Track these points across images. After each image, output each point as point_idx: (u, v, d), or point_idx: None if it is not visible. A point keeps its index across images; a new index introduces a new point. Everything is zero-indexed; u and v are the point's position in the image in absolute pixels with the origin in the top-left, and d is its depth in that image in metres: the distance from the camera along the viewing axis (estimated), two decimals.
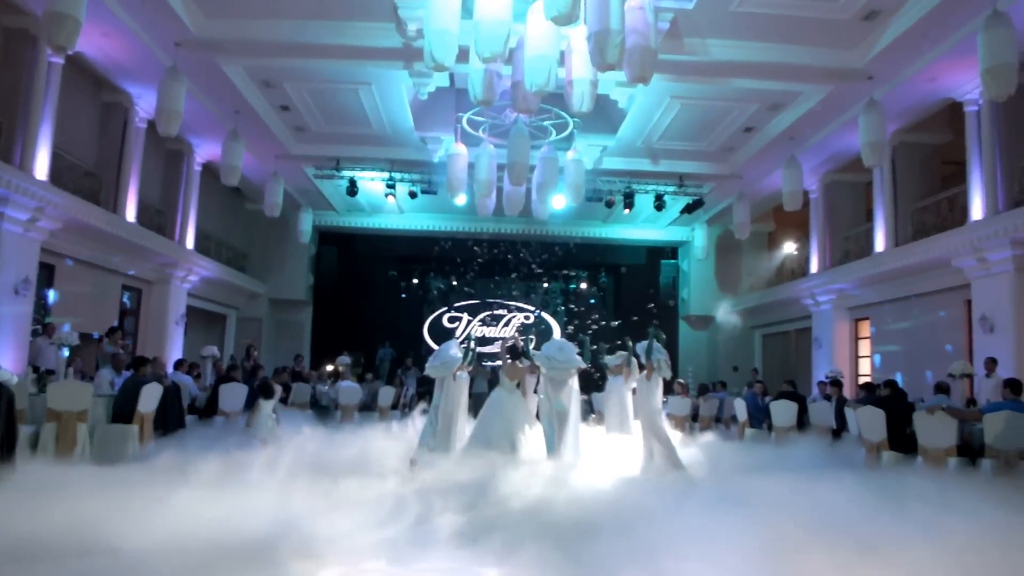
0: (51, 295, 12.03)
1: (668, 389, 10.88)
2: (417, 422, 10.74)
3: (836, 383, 11.01)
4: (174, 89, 10.32)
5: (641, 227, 20.92)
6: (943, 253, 12.02)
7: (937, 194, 13.45)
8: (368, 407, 14.58)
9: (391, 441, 9.47)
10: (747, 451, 8.84)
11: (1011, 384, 7.36)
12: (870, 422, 8.09)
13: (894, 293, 14.23)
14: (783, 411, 10.61)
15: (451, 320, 21.89)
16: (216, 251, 17.77)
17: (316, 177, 16.70)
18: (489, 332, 21.65)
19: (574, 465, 7.63)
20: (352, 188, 16.10)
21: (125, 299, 14.48)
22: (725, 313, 20.27)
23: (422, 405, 16.13)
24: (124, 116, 13.21)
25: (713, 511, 4.93)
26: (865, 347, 15.80)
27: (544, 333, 20.73)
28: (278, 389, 9.42)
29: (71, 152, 12.12)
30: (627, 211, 17.01)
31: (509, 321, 22.03)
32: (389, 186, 16.13)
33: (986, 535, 3.57)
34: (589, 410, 12.61)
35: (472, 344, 9.11)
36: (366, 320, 20.98)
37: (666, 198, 16.61)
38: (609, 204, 16.80)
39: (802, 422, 10.48)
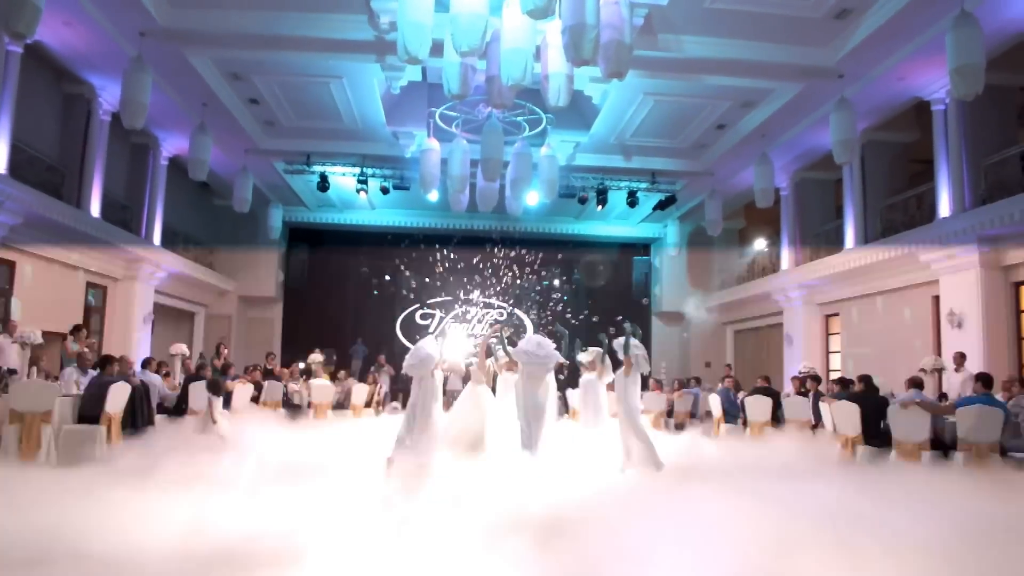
0: (12, 292, 11.67)
1: (643, 384, 10.88)
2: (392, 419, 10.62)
3: (816, 378, 11.12)
4: (139, 80, 10.04)
5: (614, 224, 20.99)
6: (911, 250, 12.22)
7: (905, 192, 13.66)
8: (341, 405, 14.41)
9: (366, 439, 9.33)
10: (728, 447, 8.84)
11: (982, 378, 7.48)
12: (845, 417, 8.18)
13: (864, 289, 14.43)
14: (758, 406, 10.69)
15: (424, 317, 21.73)
16: (184, 247, 17.42)
17: (286, 172, 16.47)
18: (462, 329, 21.53)
19: (550, 462, 7.60)
20: (323, 183, 15.90)
21: (90, 296, 14.11)
22: (693, 308, 20.42)
23: (393, 404, 16.07)
24: (87, 108, 12.86)
25: (692, 508, 4.92)
26: (836, 343, 16.01)
27: (519, 330, 20.70)
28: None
29: (32, 145, 11.76)
30: (600, 208, 17.03)
31: (482, 318, 21.94)
32: (361, 181, 15.94)
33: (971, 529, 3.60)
34: (564, 407, 12.59)
35: (446, 340, 9.00)
36: (338, 317, 20.77)
37: (639, 195, 16.66)
38: (582, 201, 16.81)
39: (776, 417, 10.57)
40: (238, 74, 12.26)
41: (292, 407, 13.25)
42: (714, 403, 12.23)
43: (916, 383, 8.38)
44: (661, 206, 17.50)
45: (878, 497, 4.29)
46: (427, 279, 21.67)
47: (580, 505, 5.74)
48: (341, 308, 21.09)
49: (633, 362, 7.96)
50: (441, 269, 21.03)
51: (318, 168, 15.84)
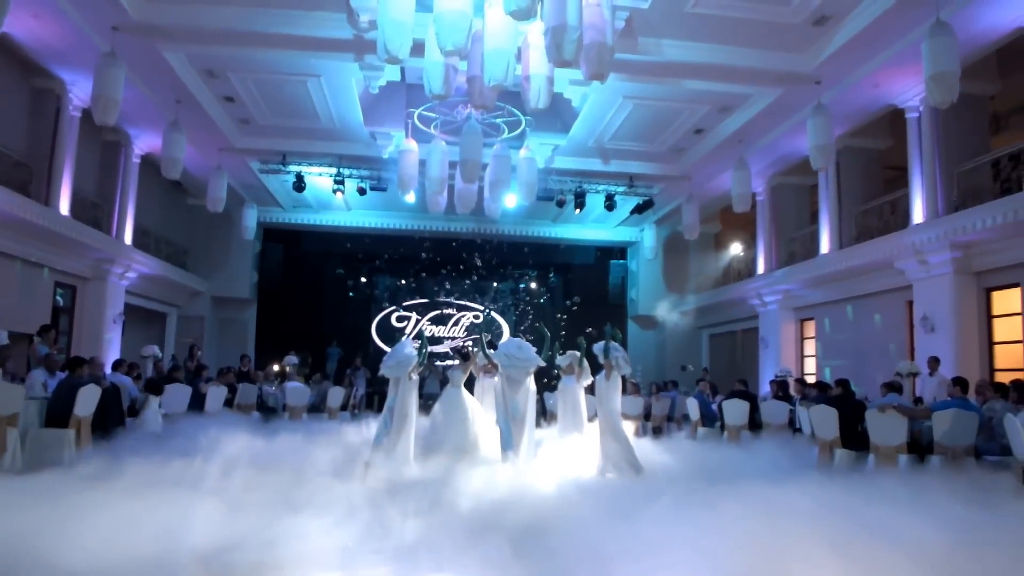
0: None
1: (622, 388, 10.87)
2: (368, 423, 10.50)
3: (802, 382, 11.21)
4: (111, 76, 9.81)
5: (591, 227, 21.02)
6: (885, 255, 12.36)
7: (880, 198, 13.84)
8: (317, 408, 14.24)
9: (342, 443, 9.21)
10: (711, 451, 8.83)
11: (959, 382, 7.57)
12: (823, 421, 8.23)
13: (838, 294, 14.58)
14: (735, 410, 10.73)
15: (400, 319, 21.60)
16: (156, 247, 17.11)
17: (261, 172, 16.25)
18: (439, 331, 21.45)
19: (529, 466, 7.57)
20: (299, 183, 15.70)
21: (58, 296, 13.78)
22: (664, 311, 20.53)
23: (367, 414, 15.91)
24: (57, 103, 12.57)
25: (673, 513, 4.89)
26: (810, 347, 16.16)
27: (496, 334, 20.67)
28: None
29: None
30: (578, 211, 17.03)
31: (458, 320, 21.86)
32: (337, 182, 15.78)
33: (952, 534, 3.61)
34: (542, 410, 12.55)
35: (425, 343, 8.92)
36: (312, 319, 20.56)
37: (616, 198, 16.69)
38: (560, 204, 16.80)
39: (753, 421, 10.62)
40: (213, 71, 12.06)
41: (267, 410, 13.06)
42: (691, 406, 12.27)
43: (895, 387, 8.47)
44: (638, 210, 17.55)
45: (864, 499, 4.30)
46: (403, 281, 21.54)
47: (559, 507, 5.71)
48: (316, 310, 20.89)
49: (613, 365, 7.95)
50: (417, 271, 20.90)
51: (294, 168, 15.64)
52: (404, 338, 8.99)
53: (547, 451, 8.46)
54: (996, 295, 11.26)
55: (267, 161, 15.73)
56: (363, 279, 21.56)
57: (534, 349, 8.25)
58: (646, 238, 21.05)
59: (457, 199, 13.69)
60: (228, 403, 11.59)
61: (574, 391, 9.32)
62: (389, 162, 15.10)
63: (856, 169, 14.48)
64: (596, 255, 22.18)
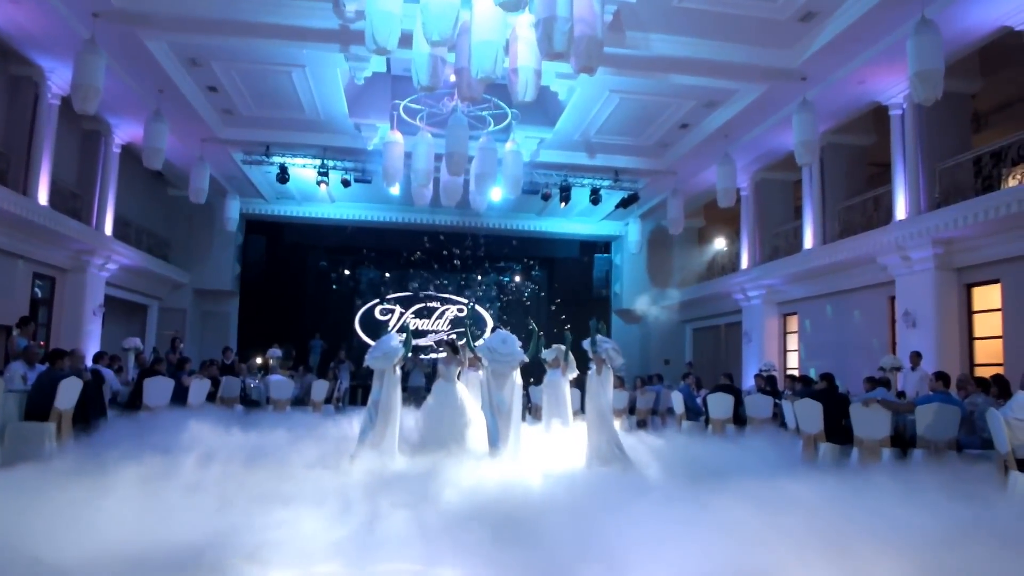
0: None
1: None
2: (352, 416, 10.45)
3: (792, 378, 11.30)
4: (92, 63, 9.63)
5: (576, 221, 21.03)
6: (868, 251, 12.47)
7: (863, 194, 13.95)
8: (301, 401, 14.15)
9: (328, 436, 9.16)
10: (698, 445, 8.86)
11: (942, 377, 7.66)
12: (807, 415, 8.30)
13: (821, 289, 14.70)
14: (720, 404, 10.79)
15: (383, 312, 21.51)
16: (136, 238, 16.89)
17: (244, 163, 16.09)
18: (423, 325, 21.39)
19: (516, 459, 7.56)
20: (283, 175, 15.56)
21: (37, 288, 13.55)
22: (644, 304, 20.63)
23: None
24: (35, 91, 12.33)
25: (662, 507, 4.90)
26: (793, 341, 16.29)
27: (479, 326, 20.63)
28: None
29: None
30: (563, 204, 17.02)
31: (442, 314, 21.81)
32: (321, 174, 15.65)
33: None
34: (527, 404, 12.56)
35: (410, 336, 8.88)
36: (295, 312, 20.42)
37: (601, 192, 16.70)
38: (546, 197, 16.79)
39: (737, 415, 10.68)
40: (196, 60, 11.90)
41: (250, 403, 12.96)
42: (676, 400, 12.32)
43: (882, 382, 8.55)
44: (623, 204, 17.58)
45: (852, 492, 4.34)
46: (387, 274, 21.45)
47: (545, 500, 5.71)
48: (299, 303, 20.75)
49: (605, 359, 7.90)
50: (401, 264, 20.81)
51: (277, 159, 15.50)
52: (389, 331, 8.97)
53: (532, 444, 8.47)
54: (976, 291, 11.39)
55: (250, 152, 15.58)
56: (347, 272, 21.45)
57: (519, 343, 8.24)
58: (631, 232, 21.10)
59: (443, 192, 13.62)
60: (211, 396, 11.48)
61: (559, 385, 9.32)
62: (374, 154, 15.00)
63: (840, 165, 14.58)
64: (581, 249, 22.22)
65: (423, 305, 21.68)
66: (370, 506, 5.03)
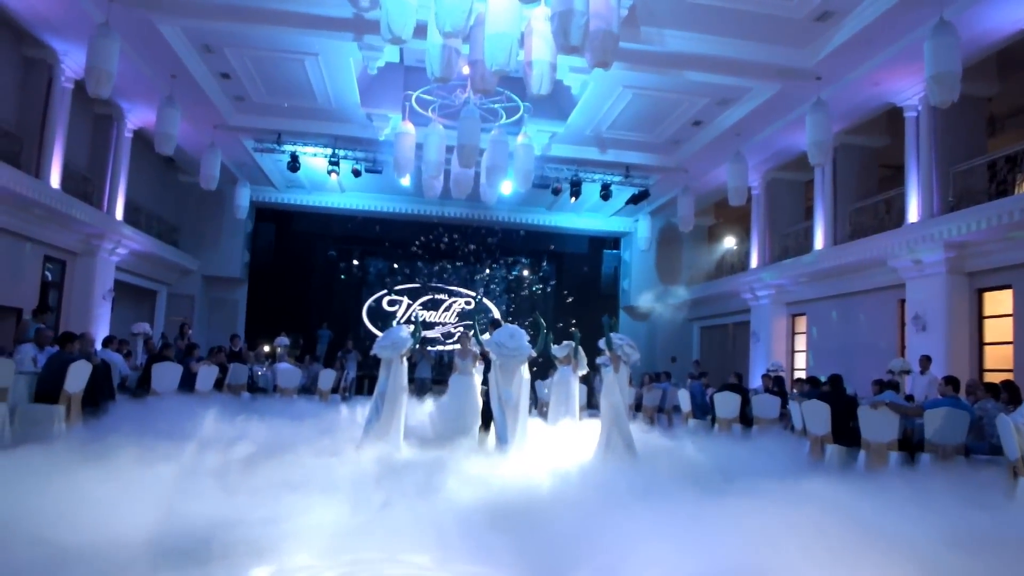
0: None
1: None
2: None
3: (803, 381, 11.29)
4: (106, 48, 9.63)
5: (585, 216, 20.99)
6: (879, 253, 12.40)
7: (875, 196, 13.86)
8: (308, 390, 14.20)
9: (334, 424, 9.19)
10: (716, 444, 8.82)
11: (951, 381, 7.61)
12: (815, 416, 8.27)
13: (831, 290, 14.63)
14: (727, 403, 10.76)
15: (391, 303, 21.53)
16: (147, 223, 16.93)
17: (255, 150, 16.10)
18: (430, 316, 21.41)
19: (522, 454, 7.55)
20: (294, 163, 15.57)
21: (47, 271, 13.61)
22: (648, 301, 20.59)
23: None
24: (48, 74, 12.35)
25: (668, 504, 4.90)
26: (801, 342, 16.23)
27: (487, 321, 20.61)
28: None
29: None
30: (573, 199, 16.98)
31: (450, 306, 21.82)
32: (332, 163, 15.65)
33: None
34: (533, 399, 12.56)
35: (419, 327, 8.90)
36: (303, 301, 20.46)
37: (612, 188, 16.65)
38: (556, 192, 16.76)
39: (744, 415, 10.65)
40: (210, 46, 11.90)
41: (257, 391, 13.00)
42: (683, 398, 12.29)
43: (891, 385, 8.51)
44: (634, 200, 17.53)
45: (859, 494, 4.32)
46: (395, 265, 21.47)
47: (550, 495, 5.71)
48: (307, 291, 20.79)
49: (621, 357, 7.83)
50: (410, 255, 20.82)
51: (289, 147, 15.51)
52: (397, 322, 9.01)
53: (539, 438, 8.45)
54: (988, 296, 11.33)
55: (261, 140, 15.59)
56: (355, 262, 21.47)
57: (527, 337, 8.22)
58: (640, 229, 21.05)
59: (453, 184, 13.62)
60: (218, 383, 11.52)
61: (569, 381, 9.33)
62: (385, 144, 14.99)
63: (852, 166, 14.50)
64: (590, 244, 22.18)
65: (431, 297, 21.69)
66: (374, 496, 5.03)
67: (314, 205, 20.22)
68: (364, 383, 16.79)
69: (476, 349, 8.85)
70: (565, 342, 9.55)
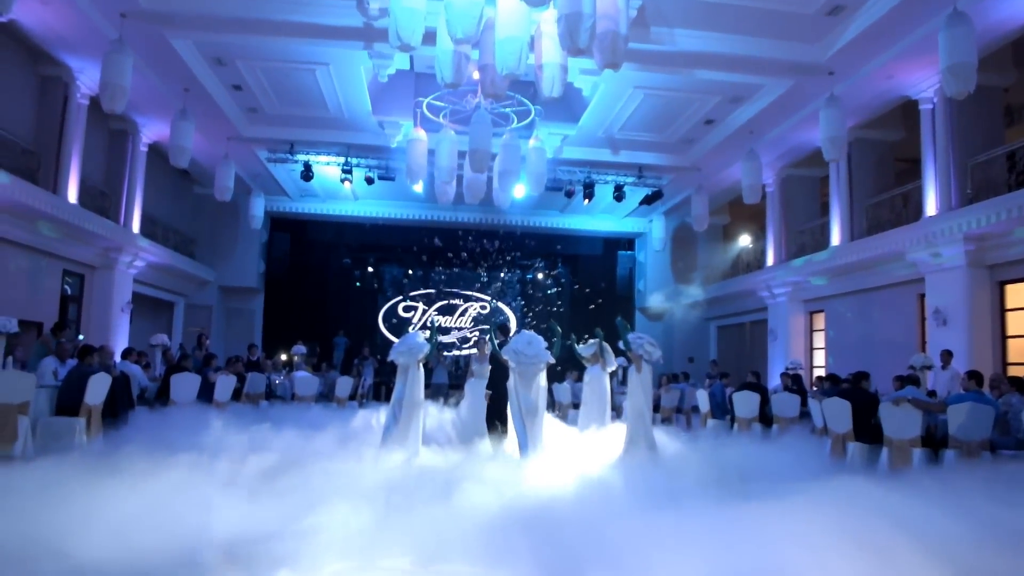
0: None
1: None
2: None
3: (823, 378, 11.22)
4: (120, 63, 9.75)
5: (599, 218, 20.92)
6: (897, 248, 12.26)
7: (891, 190, 13.71)
8: (325, 397, 14.25)
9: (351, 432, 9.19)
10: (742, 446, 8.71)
11: (974, 376, 7.49)
12: (835, 414, 8.17)
13: (849, 287, 14.49)
14: (746, 403, 10.67)
15: (407, 309, 21.57)
16: (163, 236, 17.09)
17: (269, 161, 16.20)
18: (446, 321, 21.43)
19: (540, 459, 7.50)
20: (307, 173, 15.65)
21: (66, 285, 13.76)
22: (659, 300, 20.50)
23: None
24: (64, 91, 12.51)
25: (690, 506, 4.85)
26: (820, 339, 16.08)
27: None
28: None
29: (6, 128, 11.44)
30: (587, 201, 16.94)
31: (465, 311, 21.82)
32: (345, 171, 15.72)
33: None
34: (551, 401, 12.53)
35: (436, 332, 8.89)
36: (319, 309, 20.56)
37: (625, 189, 16.59)
38: (569, 194, 16.72)
39: (764, 414, 10.56)
40: (221, 59, 12.00)
41: (275, 399, 13.06)
42: (702, 399, 12.21)
43: (912, 380, 8.40)
44: (647, 201, 17.45)
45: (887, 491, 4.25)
46: (410, 271, 21.52)
47: (570, 501, 5.66)
48: (323, 299, 20.88)
49: (643, 356, 7.79)
50: (424, 261, 20.86)
51: (302, 157, 15.60)
52: (413, 328, 9.02)
53: (562, 444, 8.37)
54: (1010, 288, 11.15)
55: (275, 150, 15.69)
56: (370, 269, 21.55)
57: (544, 344, 8.16)
58: (654, 229, 20.96)
59: (466, 189, 13.64)
60: (236, 393, 11.58)
61: (600, 380, 9.28)
62: (397, 151, 15.04)
63: (868, 161, 14.35)
64: (604, 246, 22.11)
65: (446, 302, 21.71)
66: (392, 503, 5.02)
67: (328, 214, 20.32)
68: (381, 390, 16.82)
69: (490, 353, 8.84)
70: (591, 341, 9.51)
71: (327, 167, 15.98)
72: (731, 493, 5.07)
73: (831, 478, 5.03)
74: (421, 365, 8.37)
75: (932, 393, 9.30)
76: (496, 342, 8.55)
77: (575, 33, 7.06)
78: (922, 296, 12.39)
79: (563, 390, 13.89)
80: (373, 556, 4.02)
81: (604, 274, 21.94)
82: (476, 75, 9.68)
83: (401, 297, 21.57)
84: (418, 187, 14.37)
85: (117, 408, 8.32)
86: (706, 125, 14.34)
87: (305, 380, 13.55)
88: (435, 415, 9.93)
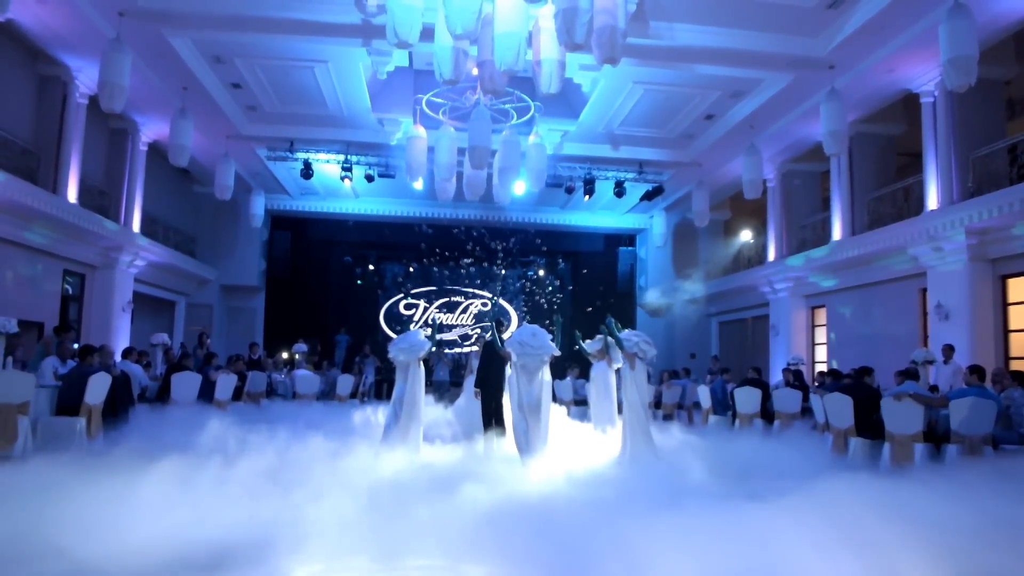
0: None
1: None
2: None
3: (827, 373, 11.20)
4: (118, 62, 9.72)
5: (600, 214, 20.89)
6: (899, 242, 12.23)
7: (892, 184, 13.67)
8: (326, 395, 14.26)
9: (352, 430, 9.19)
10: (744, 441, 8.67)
11: (976, 370, 7.46)
12: (837, 409, 8.15)
13: (851, 281, 14.45)
14: (747, 398, 10.65)
15: (408, 307, 21.56)
16: (164, 235, 17.08)
17: (269, 159, 16.18)
18: (447, 319, 21.42)
19: (543, 457, 7.44)
20: (307, 171, 15.63)
21: (67, 284, 13.76)
22: (656, 297, 20.47)
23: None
24: (63, 90, 12.50)
25: (691, 505, 4.83)
26: (822, 334, 16.05)
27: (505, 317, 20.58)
28: None
29: (5, 127, 11.43)
30: (587, 197, 16.91)
31: (467, 308, 21.81)
32: (345, 169, 15.70)
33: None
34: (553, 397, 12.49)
35: (436, 330, 8.86)
36: (320, 307, 20.55)
37: (626, 185, 16.56)
38: (569, 190, 16.70)
39: (765, 410, 10.53)
40: (220, 57, 11.97)
41: (277, 398, 13.07)
42: (703, 395, 12.19)
43: (912, 375, 8.37)
44: (648, 196, 17.42)
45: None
46: (411, 269, 21.50)
47: (571, 499, 5.65)
48: (324, 298, 20.87)
49: (637, 353, 7.73)
50: (425, 259, 20.84)
51: (301, 155, 15.58)
52: (414, 326, 9.00)
53: (566, 442, 8.30)
54: (1012, 282, 11.11)
55: (274, 148, 15.67)
56: (371, 266, 21.54)
57: (549, 337, 8.01)
58: (655, 225, 20.92)
59: (466, 186, 13.62)
60: (237, 391, 11.58)
61: (606, 376, 9.25)
62: (397, 149, 15.01)
63: (869, 155, 14.30)
64: (605, 242, 22.07)
65: (447, 299, 21.70)
66: (394, 501, 5.01)
67: (328, 211, 20.31)
68: (383, 387, 16.82)
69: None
70: (598, 336, 9.46)
71: (327, 165, 15.97)
72: (732, 490, 5.05)
73: (833, 474, 5.01)
74: (421, 363, 8.35)
75: (934, 388, 9.28)
76: (496, 334, 8.52)
77: (572, 28, 7.05)
78: (924, 290, 12.36)
79: (564, 386, 13.85)
80: (368, 554, 4.00)
81: (605, 270, 21.90)
82: (475, 71, 9.66)
83: (402, 295, 21.56)
84: (418, 184, 14.36)
85: (118, 408, 8.32)
86: (706, 120, 14.29)
87: (306, 378, 13.56)
88: (436, 413, 9.90)
